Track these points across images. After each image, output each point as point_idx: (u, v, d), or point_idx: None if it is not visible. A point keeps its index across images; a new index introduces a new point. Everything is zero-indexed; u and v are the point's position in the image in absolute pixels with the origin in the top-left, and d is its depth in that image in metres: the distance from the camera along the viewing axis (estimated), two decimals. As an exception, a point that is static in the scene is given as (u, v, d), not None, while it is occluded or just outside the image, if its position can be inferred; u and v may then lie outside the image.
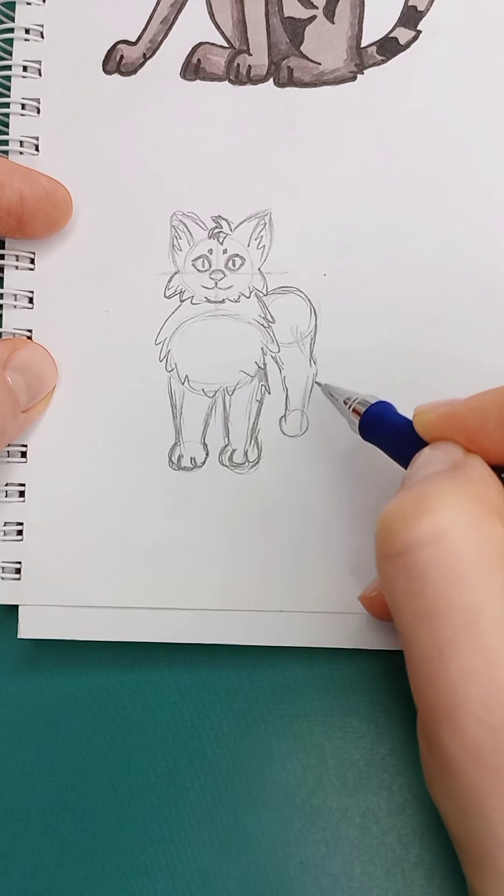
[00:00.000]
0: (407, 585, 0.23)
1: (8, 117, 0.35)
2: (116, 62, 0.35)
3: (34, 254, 0.35)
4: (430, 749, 0.24)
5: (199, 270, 0.35)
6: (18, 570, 0.34)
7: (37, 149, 0.35)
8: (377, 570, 0.25)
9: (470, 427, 0.26)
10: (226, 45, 0.35)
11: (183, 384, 0.35)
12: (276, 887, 0.32)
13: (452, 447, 0.26)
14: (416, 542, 0.23)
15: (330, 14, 0.34)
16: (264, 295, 0.34)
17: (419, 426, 0.28)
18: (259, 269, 0.34)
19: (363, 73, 0.34)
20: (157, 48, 0.35)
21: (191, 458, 0.34)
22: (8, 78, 0.35)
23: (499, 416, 0.25)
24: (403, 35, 0.34)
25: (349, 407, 0.31)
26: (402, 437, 0.28)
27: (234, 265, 0.35)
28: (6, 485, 0.35)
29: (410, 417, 0.28)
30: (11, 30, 0.35)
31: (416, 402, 0.29)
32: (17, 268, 0.35)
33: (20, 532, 0.35)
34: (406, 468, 0.28)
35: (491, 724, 0.22)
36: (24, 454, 0.35)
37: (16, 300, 0.35)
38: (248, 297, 0.34)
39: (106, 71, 0.35)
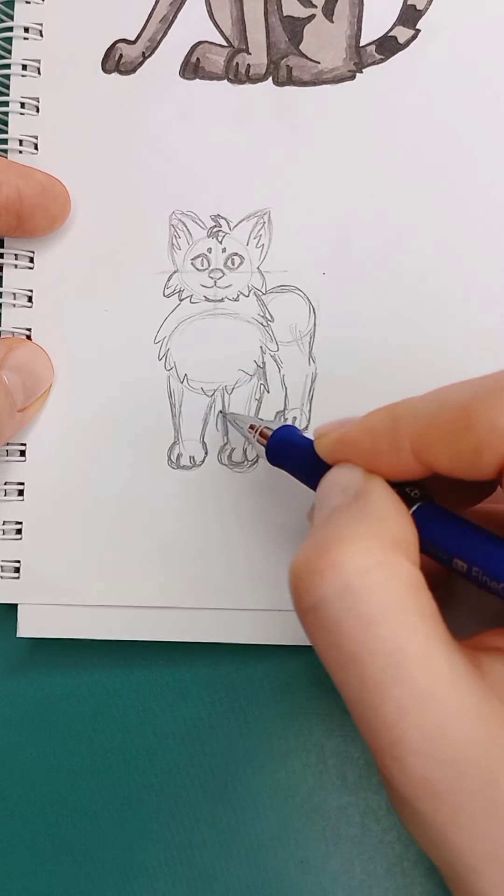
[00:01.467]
0: (325, 638, 0.23)
1: (7, 116, 0.35)
2: (115, 61, 0.35)
3: (33, 253, 0.35)
4: (388, 785, 0.24)
5: (198, 269, 0.35)
6: (17, 569, 0.34)
7: (36, 147, 0.35)
8: (301, 624, 0.25)
9: (364, 450, 0.26)
10: (225, 43, 0.35)
11: (182, 383, 0.35)
12: (276, 886, 0.32)
13: (352, 471, 0.26)
14: (324, 597, 0.23)
15: (329, 13, 0.34)
16: (263, 294, 0.34)
17: (319, 449, 0.28)
18: (258, 267, 0.34)
19: (362, 72, 0.34)
20: (157, 47, 0.35)
21: (190, 457, 0.34)
22: (7, 77, 0.35)
23: (387, 437, 0.25)
24: (402, 34, 0.34)
25: (255, 434, 0.31)
26: (307, 459, 0.28)
27: (233, 264, 0.35)
28: (5, 483, 0.35)
29: None
30: (10, 28, 0.35)
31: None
32: (16, 266, 0.35)
33: (19, 531, 0.35)
34: (315, 490, 0.27)
35: (436, 759, 0.22)
36: (23, 453, 0.35)
37: (15, 299, 0.35)
38: (248, 296, 0.34)
39: (105, 70, 0.35)
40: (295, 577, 0.24)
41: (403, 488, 0.26)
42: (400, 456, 0.25)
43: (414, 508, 0.26)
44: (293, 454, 0.29)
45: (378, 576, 0.23)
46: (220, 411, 0.34)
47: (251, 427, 0.31)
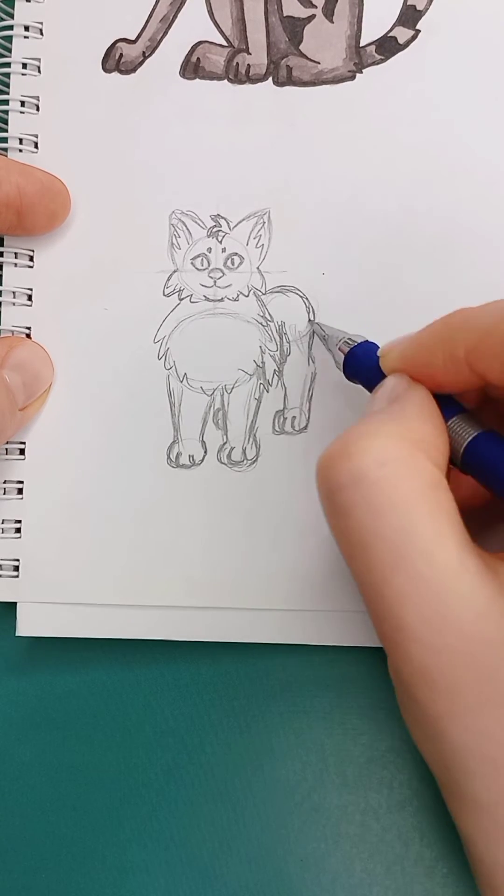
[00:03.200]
0: (339, 524, 0.25)
1: (7, 115, 0.35)
2: (116, 60, 0.35)
3: (33, 251, 0.35)
4: (393, 676, 0.25)
5: (197, 269, 0.35)
6: (17, 568, 0.34)
7: (36, 146, 0.35)
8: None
9: (422, 364, 0.27)
10: (225, 43, 0.35)
11: (181, 382, 0.35)
12: (276, 884, 0.32)
13: (398, 379, 0.28)
14: (340, 484, 0.24)
15: (329, 13, 0.34)
16: (263, 294, 0.34)
17: (384, 367, 0.29)
18: (258, 267, 0.34)
19: (362, 73, 0.34)
20: (157, 46, 0.35)
21: (189, 456, 0.34)
22: (7, 75, 0.35)
23: (443, 346, 0.27)
24: (402, 34, 0.34)
25: (336, 345, 0.31)
26: (378, 375, 0.29)
27: (232, 264, 0.35)
28: (4, 482, 0.35)
29: None
30: (11, 27, 0.35)
31: None
32: (16, 265, 0.35)
33: (18, 529, 0.34)
34: None
35: (434, 647, 0.23)
36: (22, 451, 0.35)
37: (14, 298, 0.35)
38: (247, 296, 0.34)
39: (105, 69, 0.35)
40: (320, 467, 0.25)
41: (468, 415, 0.27)
42: (454, 365, 0.26)
43: (452, 419, 0.27)
44: (369, 369, 0.30)
45: (393, 469, 0.24)
46: (310, 320, 0.34)
47: (336, 339, 0.32)
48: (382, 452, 0.24)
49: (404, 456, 0.24)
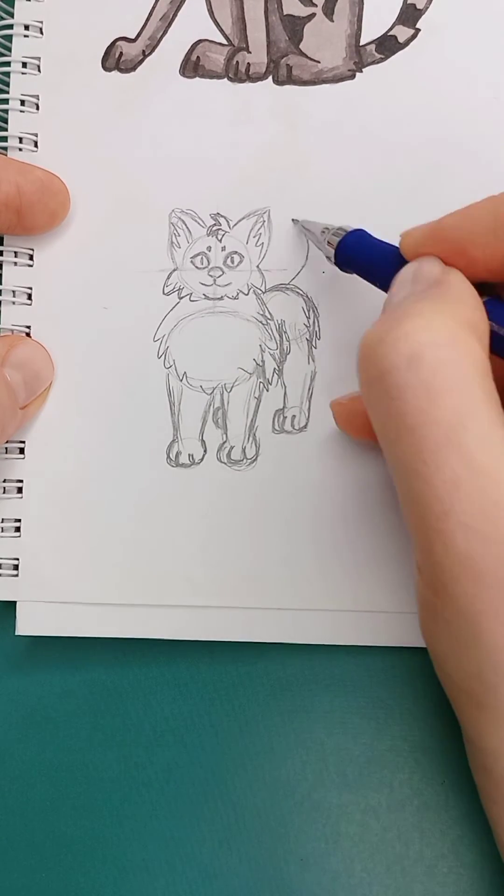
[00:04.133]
0: (388, 406, 0.24)
1: (7, 114, 0.35)
2: (116, 59, 0.35)
3: (33, 250, 0.35)
4: (428, 575, 0.24)
5: (197, 267, 0.35)
6: (16, 567, 0.34)
7: (36, 145, 0.35)
8: (363, 398, 0.26)
9: (456, 238, 0.27)
10: (225, 42, 0.35)
11: (181, 381, 0.35)
12: (276, 884, 0.32)
13: (431, 262, 0.27)
14: (394, 364, 0.23)
15: (329, 12, 0.34)
16: (263, 292, 0.34)
17: (405, 246, 0.28)
18: (257, 266, 0.34)
19: (362, 72, 0.34)
20: (157, 45, 0.35)
21: (189, 455, 0.34)
22: (7, 74, 0.35)
23: (488, 224, 0.26)
24: (402, 33, 0.34)
25: (325, 239, 0.31)
26: (381, 261, 0.29)
27: (232, 262, 0.35)
28: (4, 481, 0.35)
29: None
30: (11, 26, 0.35)
31: None
32: (15, 264, 0.35)
33: (18, 529, 0.34)
34: (387, 292, 0.28)
35: (485, 535, 0.23)
36: (22, 450, 0.35)
37: (14, 296, 0.35)
38: (247, 295, 0.34)
39: (105, 68, 0.35)
40: (365, 347, 0.24)
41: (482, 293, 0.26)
42: (498, 243, 0.26)
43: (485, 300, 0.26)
44: (367, 256, 0.30)
45: (449, 351, 0.23)
46: (293, 219, 0.34)
47: (323, 230, 0.32)
48: (438, 334, 0.23)
49: (459, 339, 0.24)
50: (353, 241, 0.31)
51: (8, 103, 0.35)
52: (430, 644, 0.26)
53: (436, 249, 0.27)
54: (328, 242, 0.31)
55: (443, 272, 0.26)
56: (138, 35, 0.35)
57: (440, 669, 0.26)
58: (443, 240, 0.27)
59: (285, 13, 0.35)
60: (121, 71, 0.35)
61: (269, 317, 0.34)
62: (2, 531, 0.34)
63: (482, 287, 0.27)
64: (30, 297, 0.35)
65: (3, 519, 0.35)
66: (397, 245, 0.29)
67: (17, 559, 0.34)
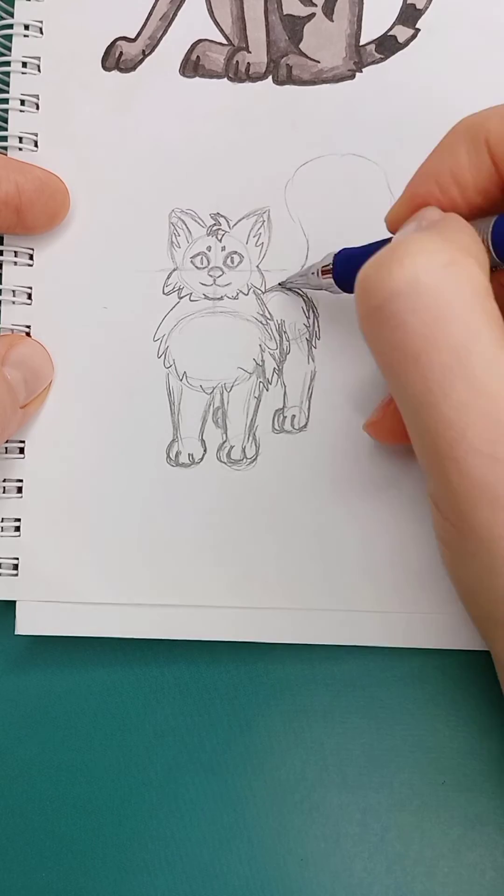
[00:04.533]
0: (391, 336, 0.23)
1: (7, 113, 0.35)
2: (115, 59, 0.35)
3: (33, 250, 0.35)
4: (445, 508, 0.24)
5: (197, 267, 0.35)
6: (16, 566, 0.34)
7: (36, 145, 0.35)
8: (362, 334, 0.25)
9: (442, 173, 0.27)
10: (225, 42, 0.35)
11: (181, 381, 0.35)
12: (276, 884, 0.32)
13: (429, 211, 0.27)
14: (393, 292, 0.23)
15: (329, 12, 0.34)
16: (263, 292, 0.34)
17: (391, 218, 0.28)
18: (257, 266, 0.34)
19: (362, 72, 0.34)
20: (157, 45, 0.35)
21: (189, 455, 0.34)
22: (7, 74, 0.35)
23: (467, 143, 0.26)
24: (402, 33, 0.34)
25: (316, 274, 0.31)
26: None
27: (232, 262, 0.35)
28: (4, 480, 0.35)
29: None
30: (11, 26, 0.35)
31: None
32: (15, 264, 0.35)
33: (18, 528, 0.34)
34: None
35: (498, 459, 0.22)
36: (21, 450, 0.35)
37: (14, 296, 0.35)
38: (247, 295, 0.34)
39: (105, 67, 0.35)
40: (363, 277, 0.24)
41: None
42: (480, 159, 0.26)
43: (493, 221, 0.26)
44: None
45: (449, 275, 0.23)
46: (280, 283, 0.34)
47: (311, 272, 0.32)
48: (436, 258, 0.23)
49: (458, 261, 0.23)
50: (344, 258, 0.30)
51: (8, 103, 0.35)
52: (455, 579, 0.26)
53: (424, 201, 0.27)
54: (322, 274, 0.31)
55: (438, 215, 0.26)
56: (138, 35, 0.35)
57: (467, 602, 0.26)
58: (427, 183, 0.27)
59: (285, 13, 0.35)
60: (121, 70, 0.35)
61: (268, 317, 0.34)
62: (1, 530, 0.34)
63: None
64: (30, 296, 0.35)
65: (2, 518, 0.35)
66: (386, 237, 0.29)
67: (17, 559, 0.34)
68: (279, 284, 0.34)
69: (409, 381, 0.23)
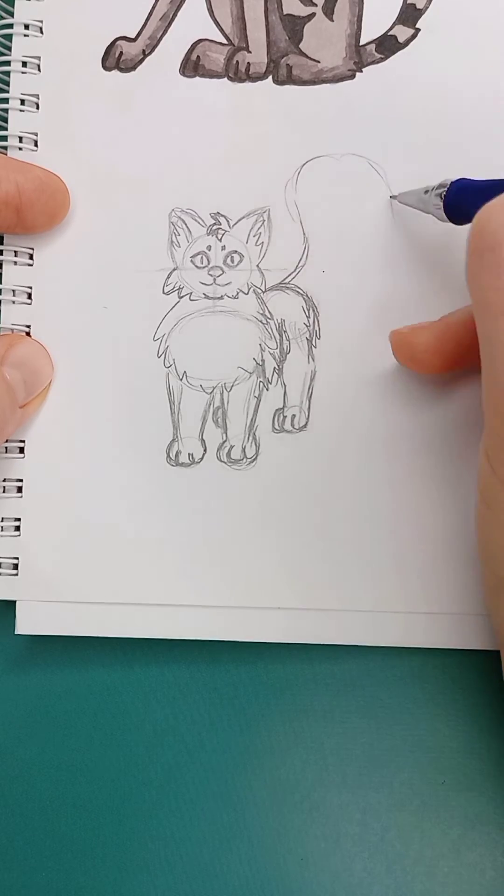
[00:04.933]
0: (495, 281, 0.24)
1: (7, 113, 0.35)
2: (116, 58, 0.35)
3: (33, 249, 0.35)
4: (496, 456, 0.25)
5: (197, 267, 0.35)
6: (16, 566, 0.34)
7: (36, 144, 0.35)
8: (467, 272, 0.26)
9: None
10: (225, 42, 0.35)
11: (181, 380, 0.34)
12: (276, 883, 0.32)
13: None
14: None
15: (329, 12, 0.34)
16: (263, 291, 0.34)
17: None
18: (257, 265, 0.34)
19: (362, 72, 0.34)
20: (157, 45, 0.35)
21: (189, 455, 0.34)
22: (7, 74, 0.35)
23: None
24: (402, 33, 0.34)
25: (430, 198, 0.31)
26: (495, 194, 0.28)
27: (232, 262, 0.35)
28: (4, 480, 0.35)
29: None
30: (11, 25, 0.35)
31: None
32: (15, 263, 0.35)
33: (18, 528, 0.34)
34: None
35: None
36: (21, 450, 0.35)
37: (14, 296, 0.35)
38: (247, 294, 0.34)
39: (105, 67, 0.35)
40: (483, 216, 0.25)
41: None
42: None
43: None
44: (476, 200, 0.29)
45: None
46: (391, 196, 0.34)
47: (426, 191, 0.32)
48: None
49: None
50: (459, 188, 0.30)
51: (8, 102, 0.35)
52: (483, 540, 0.27)
53: None
54: (437, 198, 0.31)
55: None
56: (138, 34, 0.35)
57: (487, 567, 0.27)
58: None
59: (285, 13, 0.35)
60: (121, 70, 0.35)
61: (269, 316, 0.34)
62: (1, 530, 0.34)
63: None
64: (30, 296, 0.35)
65: (3, 518, 0.34)
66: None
67: (17, 558, 0.34)
68: (391, 197, 0.34)
69: (499, 328, 0.24)
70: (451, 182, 0.30)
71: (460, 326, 0.30)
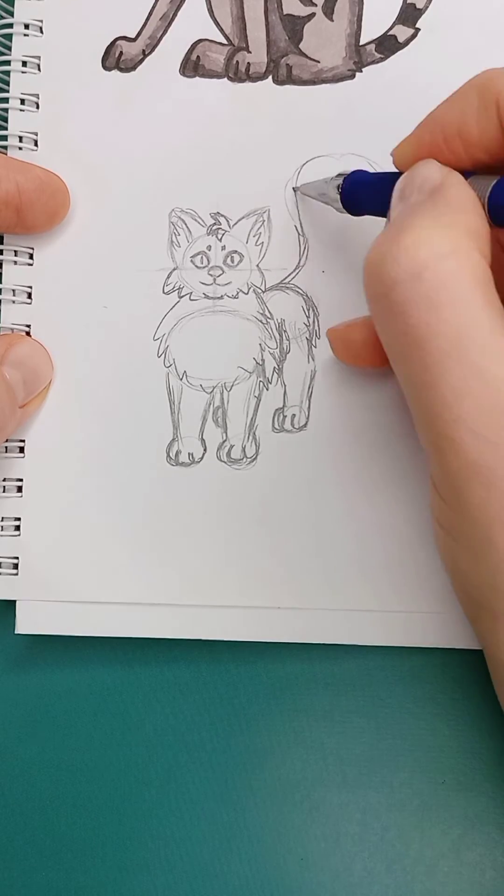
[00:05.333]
0: (395, 322, 0.24)
1: (7, 113, 0.35)
2: (116, 58, 0.35)
3: (33, 249, 0.35)
4: (442, 487, 0.25)
5: (197, 267, 0.35)
6: (16, 566, 0.34)
7: (35, 144, 0.35)
8: (372, 317, 0.26)
9: (450, 125, 0.27)
10: (225, 42, 0.35)
11: (181, 380, 0.35)
12: (276, 883, 0.32)
13: (428, 166, 0.27)
14: (396, 280, 0.24)
15: (329, 11, 0.34)
16: (263, 291, 0.34)
17: (399, 159, 0.29)
18: (257, 265, 0.34)
19: (362, 71, 0.34)
20: (157, 45, 0.35)
21: (188, 454, 0.34)
22: (7, 73, 0.35)
23: (475, 101, 0.27)
24: (402, 33, 0.34)
25: (328, 188, 0.31)
26: (387, 188, 0.28)
27: (232, 262, 0.35)
28: (4, 480, 0.35)
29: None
30: (11, 25, 0.35)
31: None
32: (15, 263, 0.35)
33: (18, 527, 0.34)
34: None
35: (493, 441, 0.23)
36: (21, 449, 0.35)
37: (14, 295, 0.35)
38: (247, 294, 0.34)
39: (105, 67, 0.35)
40: (370, 265, 0.25)
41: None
42: (488, 115, 0.26)
43: (493, 184, 0.26)
44: (369, 190, 0.30)
45: (450, 263, 0.24)
46: (294, 187, 0.34)
47: (325, 181, 0.32)
48: (440, 246, 0.24)
49: (460, 248, 0.24)
50: (353, 180, 0.31)
51: (8, 102, 0.35)
52: (447, 560, 0.27)
53: (430, 148, 0.28)
54: (335, 189, 0.31)
55: (441, 174, 0.27)
56: (138, 34, 0.35)
57: (458, 586, 0.27)
58: (434, 131, 0.27)
59: (285, 13, 0.35)
60: (121, 70, 0.35)
61: (268, 316, 0.34)
62: (2, 530, 0.34)
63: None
64: (29, 295, 0.35)
65: (3, 518, 0.34)
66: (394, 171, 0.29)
67: (17, 558, 0.34)
68: (293, 189, 0.34)
69: (411, 365, 0.24)
70: (347, 174, 0.31)
71: None
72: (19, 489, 0.35)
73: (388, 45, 0.34)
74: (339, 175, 0.31)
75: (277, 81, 0.35)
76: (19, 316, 0.35)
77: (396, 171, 0.29)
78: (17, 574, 0.34)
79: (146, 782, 0.33)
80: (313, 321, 0.34)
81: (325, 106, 0.34)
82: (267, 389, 0.34)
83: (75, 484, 0.34)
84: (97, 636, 0.34)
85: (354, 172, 0.31)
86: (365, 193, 0.30)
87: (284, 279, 0.34)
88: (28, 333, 0.35)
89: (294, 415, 0.34)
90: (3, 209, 0.33)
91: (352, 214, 0.31)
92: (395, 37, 0.34)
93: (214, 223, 0.35)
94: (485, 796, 0.32)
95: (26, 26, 0.35)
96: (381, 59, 0.34)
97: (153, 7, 0.35)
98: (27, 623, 0.34)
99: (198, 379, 0.34)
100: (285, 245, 0.34)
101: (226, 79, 0.35)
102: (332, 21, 0.35)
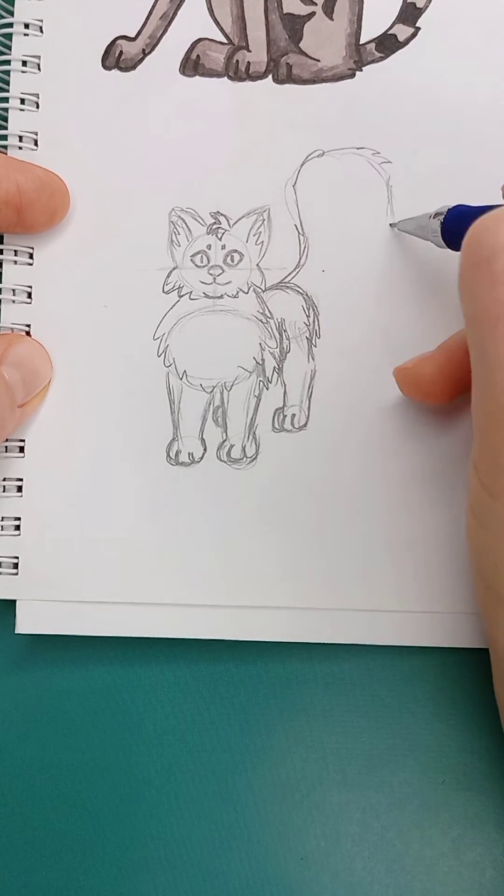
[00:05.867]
0: (490, 290, 0.24)
1: (7, 112, 0.35)
2: (116, 57, 0.35)
3: (33, 249, 0.35)
4: (486, 475, 0.25)
5: (197, 266, 0.35)
6: (16, 565, 0.34)
7: (36, 144, 0.35)
8: (460, 283, 0.26)
9: None
10: (225, 41, 0.35)
11: (181, 379, 0.34)
12: (276, 883, 0.32)
13: None
14: (501, 248, 0.24)
15: (329, 10, 0.34)
16: (263, 291, 0.34)
17: None
18: (257, 264, 0.34)
19: (362, 70, 0.34)
20: (157, 44, 0.35)
21: (189, 454, 0.34)
22: (7, 73, 0.35)
23: None
24: (402, 32, 0.34)
25: (430, 224, 0.31)
26: None
27: (232, 261, 0.35)
28: (4, 479, 0.35)
29: None
30: (11, 24, 0.35)
31: None
32: (15, 263, 0.35)
33: (18, 527, 0.34)
34: None
35: None
36: (21, 449, 0.35)
37: (14, 295, 0.35)
38: (247, 293, 0.34)
39: (105, 66, 0.35)
40: (476, 230, 0.25)
41: None
42: None
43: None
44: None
45: None
46: (390, 224, 0.34)
47: (430, 217, 0.32)
48: None
49: None
50: (455, 214, 0.30)
51: (8, 102, 0.35)
52: (475, 552, 0.27)
53: None
54: (437, 224, 0.31)
55: None
56: (138, 34, 0.35)
57: (479, 577, 0.27)
58: None
59: (285, 12, 0.35)
60: (121, 70, 0.35)
61: (268, 315, 0.34)
62: (2, 529, 0.34)
63: None
64: (29, 295, 0.35)
65: (3, 517, 0.34)
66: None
67: (17, 558, 0.34)
68: (390, 225, 0.34)
69: (494, 338, 0.24)
70: (449, 209, 0.31)
71: (461, 351, 0.30)
72: (19, 489, 0.35)
73: (388, 45, 0.34)
74: (437, 213, 0.31)
75: (277, 80, 0.35)
76: (19, 316, 0.35)
77: (499, 204, 0.29)
78: (17, 574, 0.34)
79: (146, 782, 0.33)
80: (313, 321, 0.34)
81: (326, 105, 0.34)
82: (267, 389, 0.34)
83: (75, 484, 0.34)
84: (97, 636, 0.34)
85: (455, 207, 0.31)
86: (468, 227, 0.30)
87: (284, 279, 0.34)
88: (28, 333, 0.35)
89: (294, 414, 0.34)
90: (3, 209, 0.33)
91: (453, 250, 0.31)
92: (395, 36, 0.34)
93: (214, 222, 0.35)
94: (484, 796, 0.32)
95: (26, 26, 0.35)
96: (382, 58, 0.34)
97: (153, 6, 0.35)
98: (27, 623, 0.34)
99: (198, 378, 0.34)
100: (285, 244, 0.34)
101: (226, 78, 0.35)
102: (333, 20, 0.34)
